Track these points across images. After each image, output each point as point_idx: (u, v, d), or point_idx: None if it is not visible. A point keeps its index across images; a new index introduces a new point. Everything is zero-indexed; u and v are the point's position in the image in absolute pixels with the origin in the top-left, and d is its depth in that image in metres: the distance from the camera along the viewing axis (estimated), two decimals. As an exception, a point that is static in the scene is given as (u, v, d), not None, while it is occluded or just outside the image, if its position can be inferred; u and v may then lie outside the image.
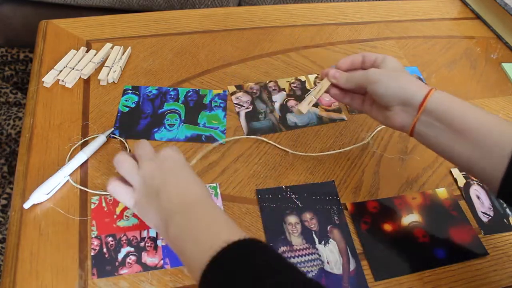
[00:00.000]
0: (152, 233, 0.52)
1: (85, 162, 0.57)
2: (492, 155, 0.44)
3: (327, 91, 0.57)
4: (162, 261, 0.50)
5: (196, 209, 0.43)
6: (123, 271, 0.49)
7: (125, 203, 0.48)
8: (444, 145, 0.48)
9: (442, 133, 0.47)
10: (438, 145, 0.49)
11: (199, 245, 0.40)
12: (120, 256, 0.49)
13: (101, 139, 0.58)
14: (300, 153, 0.62)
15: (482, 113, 0.47)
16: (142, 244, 0.51)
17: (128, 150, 0.59)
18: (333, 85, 0.56)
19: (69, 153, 0.57)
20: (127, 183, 0.47)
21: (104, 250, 0.50)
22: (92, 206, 0.53)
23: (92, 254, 0.49)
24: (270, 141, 0.63)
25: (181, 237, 0.42)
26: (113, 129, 0.61)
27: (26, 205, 0.51)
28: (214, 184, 0.57)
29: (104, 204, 0.53)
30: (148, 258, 0.50)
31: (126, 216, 0.53)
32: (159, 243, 0.51)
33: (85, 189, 0.54)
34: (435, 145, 0.49)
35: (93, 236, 0.50)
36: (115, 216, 0.52)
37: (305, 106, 0.56)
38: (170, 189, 0.45)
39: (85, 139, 0.59)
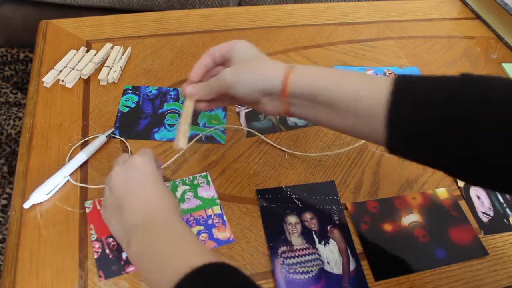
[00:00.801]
0: None
1: (85, 162, 0.57)
2: (368, 121, 0.43)
3: (195, 108, 0.51)
4: None
5: (160, 228, 0.41)
6: (130, 268, 0.48)
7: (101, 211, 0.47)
8: (322, 119, 0.46)
9: (314, 110, 0.46)
10: (317, 120, 0.47)
11: (162, 268, 0.38)
12: (124, 254, 0.49)
13: (101, 139, 0.58)
14: (299, 153, 0.62)
15: (341, 81, 0.44)
16: None
17: (129, 151, 0.59)
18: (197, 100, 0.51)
19: (69, 153, 0.57)
20: None
21: (107, 251, 0.49)
22: (87, 211, 0.52)
23: (95, 257, 0.49)
24: (269, 141, 0.63)
25: (143, 256, 0.40)
26: (113, 129, 0.61)
27: (26, 205, 0.51)
28: (205, 173, 0.57)
29: (98, 207, 0.53)
30: None
31: None
32: None
33: (86, 185, 0.54)
34: (315, 121, 0.48)
35: (93, 239, 0.50)
36: None
37: (184, 140, 0.48)
38: (133, 202, 0.43)
39: (85, 139, 0.59)
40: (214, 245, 0.51)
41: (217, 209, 0.54)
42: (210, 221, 0.53)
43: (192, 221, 0.53)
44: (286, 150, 0.62)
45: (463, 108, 0.39)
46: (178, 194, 0.55)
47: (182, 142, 0.48)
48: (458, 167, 0.41)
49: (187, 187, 0.56)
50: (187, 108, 0.50)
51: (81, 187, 0.54)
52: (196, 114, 0.65)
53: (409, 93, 0.42)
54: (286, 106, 0.47)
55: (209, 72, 0.53)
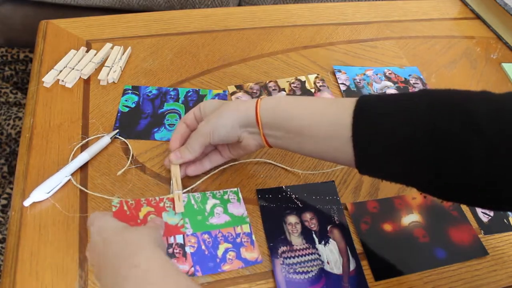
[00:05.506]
0: (179, 240, 0.50)
1: (86, 162, 0.57)
2: (335, 144, 0.44)
3: (183, 175, 0.54)
4: (192, 268, 0.49)
5: None
6: None
7: None
8: (295, 147, 0.48)
9: (287, 138, 0.48)
10: (292, 148, 0.49)
11: None
12: None
13: (105, 140, 0.58)
14: (288, 168, 0.62)
15: (307, 107, 0.46)
16: (170, 250, 0.49)
17: (130, 151, 0.59)
18: (184, 164, 0.54)
19: (72, 153, 0.57)
20: None
21: None
22: (113, 209, 0.50)
23: None
24: (278, 164, 0.63)
25: None
26: (117, 130, 0.60)
27: (26, 203, 0.51)
28: (235, 189, 0.56)
29: (125, 208, 0.51)
30: (179, 265, 0.48)
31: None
32: (188, 250, 0.50)
33: (86, 190, 0.54)
34: (291, 150, 0.50)
35: None
36: (139, 221, 0.50)
37: (180, 204, 0.52)
38: None
39: (88, 138, 0.59)
40: (241, 265, 0.50)
41: (246, 228, 0.53)
42: (238, 240, 0.51)
43: (220, 238, 0.51)
44: (275, 163, 0.62)
45: (427, 128, 0.39)
46: (208, 207, 0.53)
47: (178, 207, 0.52)
48: (428, 185, 0.41)
49: (217, 201, 0.54)
50: (175, 175, 0.53)
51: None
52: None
53: (371, 112, 0.42)
54: (263, 137, 0.49)
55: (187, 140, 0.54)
